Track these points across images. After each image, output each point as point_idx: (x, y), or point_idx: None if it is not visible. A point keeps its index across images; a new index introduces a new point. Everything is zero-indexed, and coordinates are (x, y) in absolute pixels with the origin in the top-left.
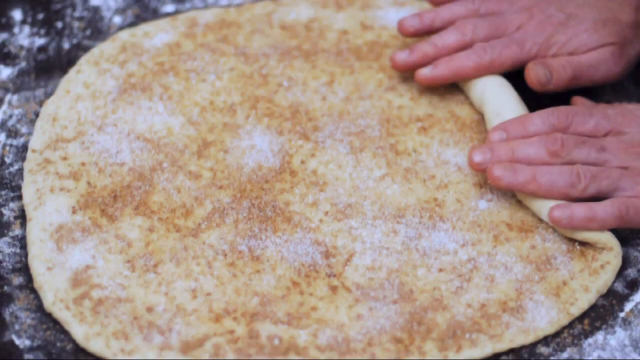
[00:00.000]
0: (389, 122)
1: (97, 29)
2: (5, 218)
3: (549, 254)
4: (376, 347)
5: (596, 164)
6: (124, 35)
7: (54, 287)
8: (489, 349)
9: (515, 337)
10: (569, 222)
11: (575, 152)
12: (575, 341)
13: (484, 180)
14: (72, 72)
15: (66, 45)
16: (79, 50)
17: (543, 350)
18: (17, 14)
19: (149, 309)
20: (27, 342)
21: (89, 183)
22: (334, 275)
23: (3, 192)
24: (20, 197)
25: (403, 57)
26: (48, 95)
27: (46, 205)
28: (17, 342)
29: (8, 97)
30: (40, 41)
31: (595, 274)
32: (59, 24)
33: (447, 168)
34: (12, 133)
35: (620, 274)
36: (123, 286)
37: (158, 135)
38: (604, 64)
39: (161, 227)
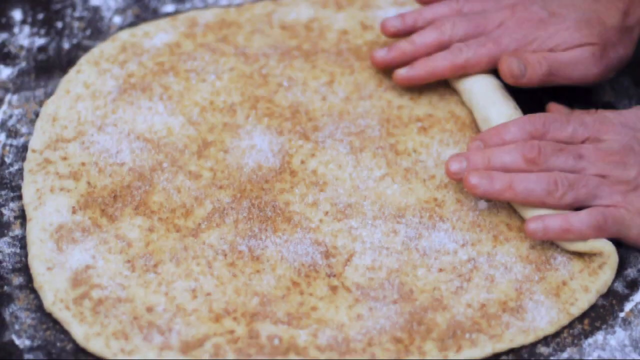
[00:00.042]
0: (389, 122)
1: (97, 29)
2: (5, 218)
3: (548, 254)
4: (376, 347)
5: (574, 172)
6: (124, 35)
7: (54, 287)
8: (489, 349)
9: (515, 337)
10: (544, 234)
11: (552, 160)
12: (575, 341)
13: None
14: (72, 72)
15: (66, 45)
16: (79, 50)
17: (543, 350)
18: (17, 14)
19: (149, 309)
20: (27, 342)
21: (89, 183)
22: (334, 275)
23: (3, 192)
24: (20, 197)
25: (382, 54)
26: (48, 95)
27: (46, 205)
28: (17, 342)
29: (8, 97)
30: (40, 41)
31: (594, 274)
32: (59, 24)
33: None
34: (12, 133)
35: (620, 274)
36: (123, 286)
37: (158, 135)
38: (583, 64)
39: (161, 227)
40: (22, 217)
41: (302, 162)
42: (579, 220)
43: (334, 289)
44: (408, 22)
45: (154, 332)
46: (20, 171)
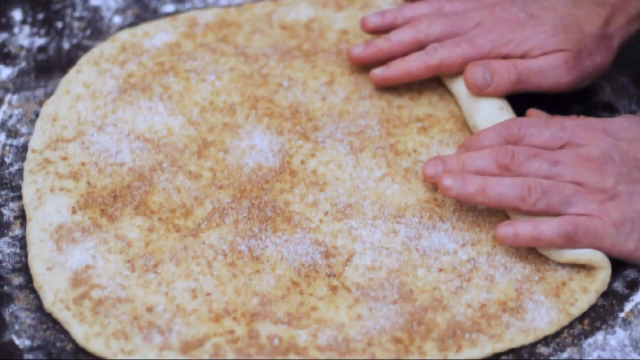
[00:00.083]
0: (389, 122)
1: (97, 29)
2: (5, 218)
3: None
4: (376, 347)
5: (549, 177)
6: (124, 35)
7: (54, 287)
8: (489, 349)
9: (515, 337)
10: (514, 240)
11: (526, 165)
12: (575, 341)
13: None
14: (72, 72)
15: (66, 45)
16: (79, 50)
17: (543, 350)
18: (17, 14)
19: (149, 309)
20: (27, 342)
21: (89, 183)
22: (334, 275)
23: (3, 192)
24: (20, 197)
25: (358, 50)
26: (48, 95)
27: (46, 205)
28: (17, 342)
29: (8, 97)
30: (40, 41)
31: (590, 275)
32: (59, 24)
33: None
34: (12, 133)
35: (620, 273)
36: (123, 286)
37: (158, 135)
38: (554, 72)
39: (161, 227)
40: (22, 217)
41: (302, 162)
42: (549, 228)
43: (334, 289)
44: (388, 20)
45: (154, 332)
46: (20, 171)
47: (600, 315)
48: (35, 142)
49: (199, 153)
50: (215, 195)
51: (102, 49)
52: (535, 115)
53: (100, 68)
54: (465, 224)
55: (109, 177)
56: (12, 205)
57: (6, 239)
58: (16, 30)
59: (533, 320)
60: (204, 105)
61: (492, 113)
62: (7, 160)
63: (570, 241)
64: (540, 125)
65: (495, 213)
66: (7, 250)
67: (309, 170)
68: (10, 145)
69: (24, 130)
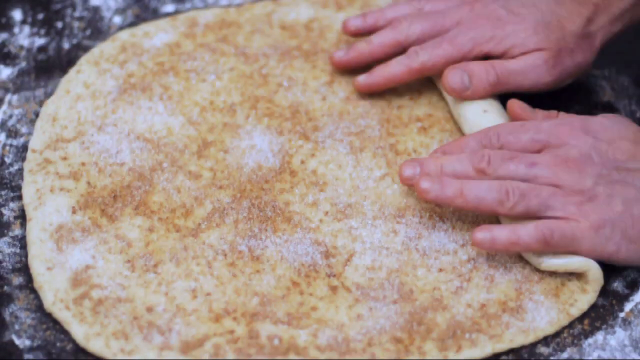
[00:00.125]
0: (389, 122)
1: (97, 29)
2: (5, 218)
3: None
4: (376, 347)
5: (526, 180)
6: (124, 35)
7: (54, 287)
8: (489, 349)
9: (515, 337)
10: (491, 245)
11: (502, 168)
12: (575, 341)
13: None
14: (72, 72)
15: (66, 45)
16: (79, 50)
17: (543, 350)
18: (17, 14)
19: (149, 309)
20: (27, 342)
21: (89, 183)
22: (334, 275)
23: (3, 192)
24: (20, 197)
25: (340, 54)
26: (48, 95)
27: (46, 205)
28: (17, 342)
29: (8, 97)
30: (40, 41)
31: (585, 277)
32: (59, 24)
33: None
34: (12, 133)
35: (620, 273)
36: (123, 286)
37: (158, 135)
38: (534, 71)
39: (161, 227)
40: (22, 217)
41: (302, 162)
42: (527, 233)
43: (334, 289)
44: (369, 22)
45: (154, 332)
46: (20, 171)
47: (600, 315)
48: (35, 142)
49: (199, 153)
50: (215, 195)
51: (102, 49)
52: (515, 106)
53: (100, 68)
54: (465, 224)
55: (109, 177)
56: (12, 205)
57: (6, 239)
58: (16, 30)
59: (533, 320)
60: (204, 105)
61: (475, 117)
62: (7, 160)
63: (547, 245)
64: (519, 130)
65: None
66: (7, 250)
67: (309, 170)
68: (10, 145)
69: (24, 130)
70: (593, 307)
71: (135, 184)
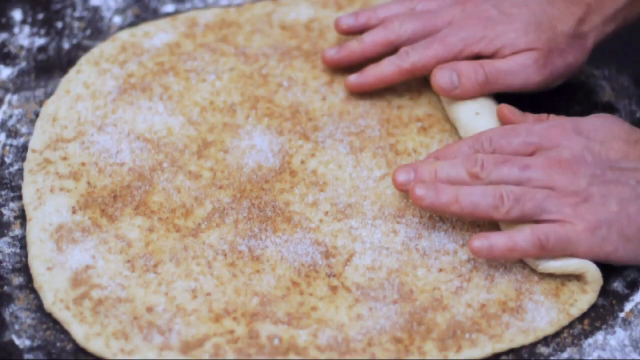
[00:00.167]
0: (389, 122)
1: (97, 29)
2: (5, 218)
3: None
4: (376, 347)
5: (520, 183)
6: (124, 35)
7: (54, 287)
8: (489, 349)
9: (515, 337)
10: (489, 252)
11: (495, 173)
12: (575, 341)
13: None
14: (72, 72)
15: (66, 45)
16: (79, 50)
17: (543, 350)
18: (17, 14)
19: (149, 309)
20: (27, 342)
21: (89, 183)
22: (334, 275)
23: (3, 192)
24: (20, 197)
25: (331, 53)
26: (48, 95)
27: (46, 205)
28: (17, 342)
29: (8, 97)
30: (40, 41)
31: (584, 277)
32: (59, 24)
33: None
34: (12, 133)
35: (620, 273)
36: (123, 286)
37: (158, 135)
38: (523, 72)
39: (161, 227)
40: (22, 217)
41: (302, 162)
42: (523, 238)
43: (334, 289)
44: (361, 20)
45: (154, 332)
46: (20, 171)
47: (600, 315)
48: (35, 142)
49: (199, 153)
50: (215, 195)
51: (102, 49)
52: (505, 110)
53: (100, 68)
54: (465, 224)
55: (109, 177)
56: (12, 205)
57: (6, 239)
58: (16, 30)
59: (533, 320)
60: (204, 105)
61: (468, 119)
62: (7, 160)
63: (544, 250)
64: (511, 134)
65: None
66: (7, 250)
67: (309, 170)
68: (10, 145)
69: (24, 130)
70: (593, 307)
71: (135, 184)
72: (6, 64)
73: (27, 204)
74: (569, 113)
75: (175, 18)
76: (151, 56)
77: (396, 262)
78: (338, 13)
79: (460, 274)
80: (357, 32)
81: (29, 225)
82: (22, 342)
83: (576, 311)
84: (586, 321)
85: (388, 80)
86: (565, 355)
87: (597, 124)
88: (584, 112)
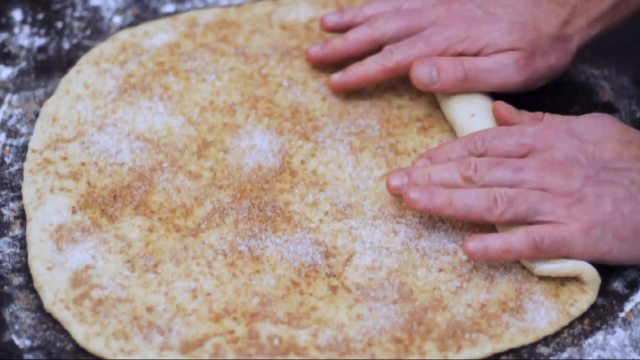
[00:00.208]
0: (389, 122)
1: (97, 29)
2: (5, 218)
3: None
4: (376, 347)
5: (513, 185)
6: (124, 35)
7: (54, 287)
8: (489, 349)
9: (515, 337)
10: (484, 254)
11: (488, 175)
12: (575, 341)
13: None
14: (72, 72)
15: (66, 45)
16: (79, 50)
17: (543, 350)
18: (17, 14)
19: (149, 309)
20: (27, 342)
21: (89, 183)
22: (334, 275)
23: (3, 192)
24: (20, 197)
25: (315, 50)
26: (48, 95)
27: (46, 205)
28: (17, 342)
29: (8, 97)
30: (40, 41)
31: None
32: (59, 24)
33: None
34: (12, 133)
35: (620, 273)
36: (123, 286)
37: (158, 135)
38: (503, 70)
39: (161, 227)
40: (22, 217)
41: (302, 162)
42: (518, 239)
43: (334, 289)
44: (346, 18)
45: (154, 332)
46: (20, 171)
47: (600, 315)
48: (35, 142)
49: (199, 153)
50: (215, 195)
51: (102, 49)
52: (501, 108)
53: (100, 68)
54: (465, 224)
55: (109, 177)
56: (12, 205)
57: (6, 239)
58: (16, 30)
59: (533, 320)
60: (204, 105)
61: (463, 120)
62: (7, 160)
63: (539, 251)
64: (504, 135)
65: None
66: (7, 250)
67: (309, 170)
68: (10, 145)
69: (24, 130)
70: (593, 307)
71: (135, 184)
72: (6, 64)
73: (27, 204)
74: (568, 113)
75: (175, 18)
76: (151, 56)
77: (396, 262)
78: None
79: (460, 274)
80: (343, 29)
81: (29, 225)
82: (22, 342)
83: (576, 311)
84: (586, 321)
85: (371, 79)
86: (565, 355)
87: (591, 124)
88: (583, 112)
